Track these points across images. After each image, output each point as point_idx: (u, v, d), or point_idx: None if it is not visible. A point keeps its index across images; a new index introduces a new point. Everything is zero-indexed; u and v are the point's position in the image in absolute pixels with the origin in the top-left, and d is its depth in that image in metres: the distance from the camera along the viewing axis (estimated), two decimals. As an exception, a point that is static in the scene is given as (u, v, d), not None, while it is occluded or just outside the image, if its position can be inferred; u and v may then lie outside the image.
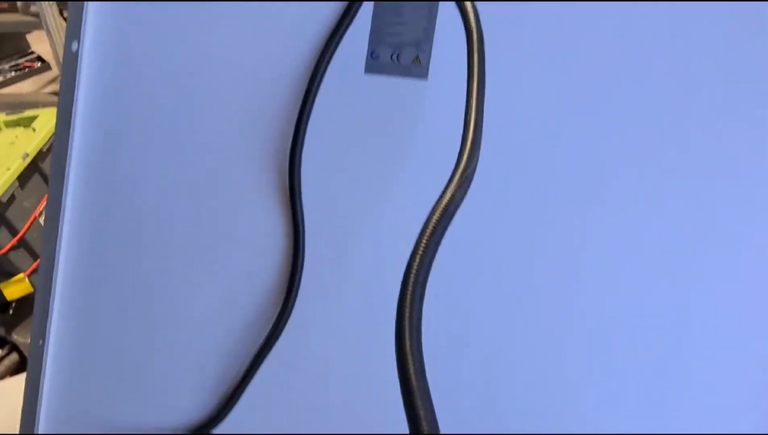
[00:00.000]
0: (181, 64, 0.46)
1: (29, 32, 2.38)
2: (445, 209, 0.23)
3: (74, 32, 0.49)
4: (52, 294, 0.51)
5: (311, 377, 0.46)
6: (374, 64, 0.40)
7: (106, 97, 0.48)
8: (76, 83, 0.49)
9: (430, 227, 0.23)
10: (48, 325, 0.51)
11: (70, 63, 0.49)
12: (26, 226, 1.14)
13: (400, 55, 0.39)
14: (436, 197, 0.39)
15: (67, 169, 0.50)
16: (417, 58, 0.39)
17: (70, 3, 0.49)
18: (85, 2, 0.47)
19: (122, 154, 0.48)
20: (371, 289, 0.43)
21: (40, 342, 0.52)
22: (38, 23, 1.72)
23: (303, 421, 0.47)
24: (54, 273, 0.50)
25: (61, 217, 0.51)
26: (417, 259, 0.23)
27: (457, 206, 0.24)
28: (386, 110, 0.41)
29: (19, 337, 1.12)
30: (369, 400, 0.46)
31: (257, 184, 0.44)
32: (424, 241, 0.23)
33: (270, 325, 0.45)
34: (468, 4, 0.32)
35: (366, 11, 0.41)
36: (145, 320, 0.49)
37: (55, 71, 2.55)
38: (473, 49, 0.30)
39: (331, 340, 0.46)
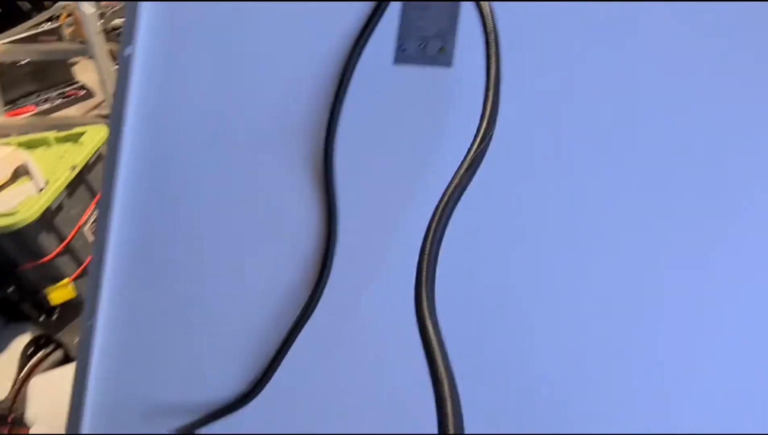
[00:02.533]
0: (220, 68, 0.50)
1: (76, 61, 2.52)
2: (456, 186, 0.26)
3: (128, 38, 0.54)
4: (102, 277, 0.55)
5: (340, 358, 0.48)
6: (402, 55, 0.43)
7: (155, 102, 0.52)
8: (129, 87, 0.53)
9: (444, 201, 0.26)
10: (98, 306, 0.55)
11: (123, 67, 0.54)
12: (72, 234, 1.20)
13: (426, 46, 0.42)
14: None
15: (118, 164, 0.54)
16: (442, 48, 0.42)
17: (127, 4, 0.54)
18: (139, 2, 0.52)
19: (169, 150, 0.52)
20: (400, 274, 0.46)
21: (90, 323, 0.55)
22: (85, 50, 1.83)
23: (330, 401, 0.48)
24: (105, 255, 0.54)
25: (112, 207, 0.55)
26: (431, 233, 0.26)
27: (468, 182, 0.27)
28: (415, 100, 0.44)
29: (63, 340, 1.17)
30: (397, 384, 0.47)
31: (295, 175, 0.47)
32: (438, 212, 0.26)
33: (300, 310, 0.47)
34: (485, 5, 0.35)
35: (394, 8, 0.44)
36: (187, 304, 0.52)
37: (97, 98, 2.71)
38: (491, 46, 0.33)
39: (360, 324, 0.48)
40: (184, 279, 0.52)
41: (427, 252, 0.27)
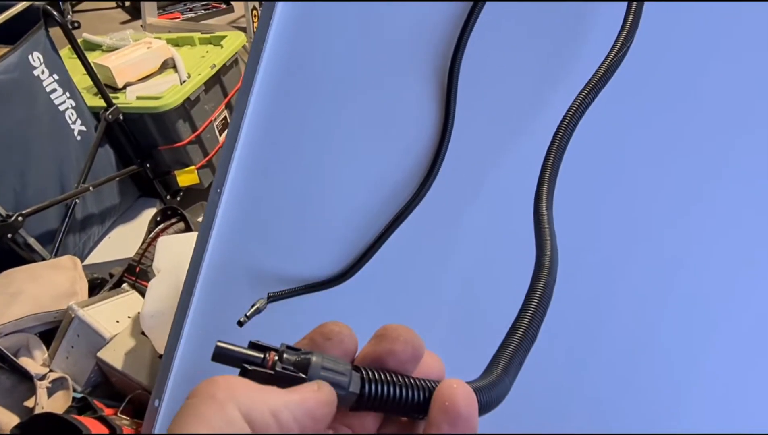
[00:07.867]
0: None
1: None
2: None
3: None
4: (234, 152, 0.62)
5: (433, 258, 0.52)
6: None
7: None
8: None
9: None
10: (227, 176, 0.62)
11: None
12: (204, 126, 1.33)
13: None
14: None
15: (260, 61, 0.59)
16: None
17: None
18: None
19: (303, 59, 0.57)
20: (502, 185, 0.48)
21: (218, 190, 0.63)
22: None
23: (420, 284, 0.52)
24: (239, 135, 0.61)
25: (252, 92, 0.61)
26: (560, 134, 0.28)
27: (603, 86, 0.28)
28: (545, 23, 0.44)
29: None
30: (485, 289, 0.50)
31: (422, 80, 0.50)
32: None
33: (406, 201, 0.51)
34: None
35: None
36: (302, 187, 0.58)
37: (237, 13, 2.90)
38: None
39: (455, 232, 0.51)
40: (304, 165, 0.58)
41: (553, 153, 0.28)
